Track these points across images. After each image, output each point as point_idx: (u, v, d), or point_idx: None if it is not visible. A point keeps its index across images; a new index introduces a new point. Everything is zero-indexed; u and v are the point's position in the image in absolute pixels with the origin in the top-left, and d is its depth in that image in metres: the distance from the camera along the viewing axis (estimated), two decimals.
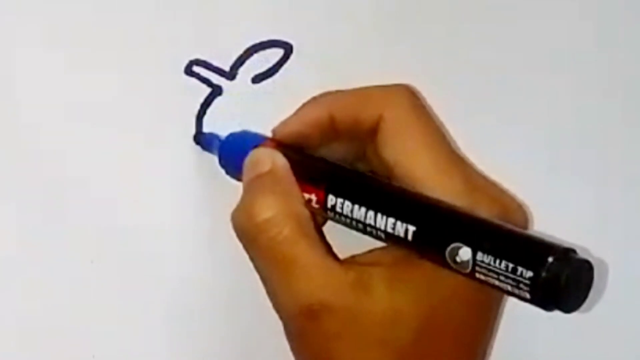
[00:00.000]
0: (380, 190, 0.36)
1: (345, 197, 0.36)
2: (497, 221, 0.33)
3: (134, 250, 0.42)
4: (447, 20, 0.46)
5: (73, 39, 0.41)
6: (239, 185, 0.43)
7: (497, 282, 0.31)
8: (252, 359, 0.45)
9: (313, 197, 0.37)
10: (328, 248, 0.37)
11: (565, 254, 0.31)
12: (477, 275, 0.32)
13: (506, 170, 0.42)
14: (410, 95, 0.38)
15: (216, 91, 0.43)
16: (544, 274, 0.30)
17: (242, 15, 0.43)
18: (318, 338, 0.35)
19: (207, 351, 0.44)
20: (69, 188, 0.41)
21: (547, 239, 0.32)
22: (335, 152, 0.39)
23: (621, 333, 0.50)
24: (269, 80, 0.44)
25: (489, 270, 0.31)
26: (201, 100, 0.43)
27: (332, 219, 0.37)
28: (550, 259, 0.30)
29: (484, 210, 0.35)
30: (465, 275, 0.32)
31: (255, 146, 0.39)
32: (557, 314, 0.32)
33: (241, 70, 0.43)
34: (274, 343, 0.43)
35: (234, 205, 0.43)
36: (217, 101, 0.43)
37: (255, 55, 0.43)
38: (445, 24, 0.46)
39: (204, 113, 0.43)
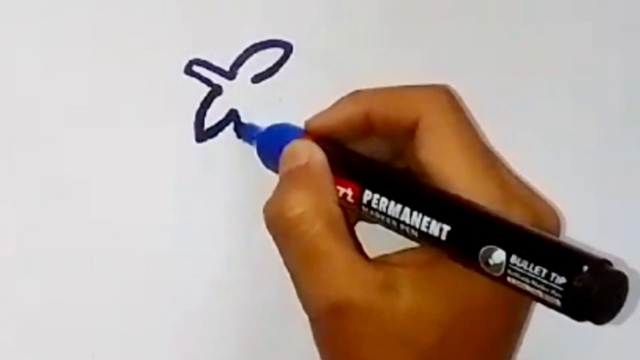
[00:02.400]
0: (417, 189, 0.36)
1: (381, 193, 0.36)
2: (531, 227, 0.33)
3: (134, 250, 0.42)
4: (447, 20, 0.46)
5: (73, 39, 0.41)
6: (239, 185, 0.43)
7: (528, 287, 0.31)
8: (255, 359, 0.45)
9: (349, 191, 0.37)
10: (358, 246, 0.37)
11: (601, 265, 0.30)
12: (509, 279, 0.32)
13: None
14: (449, 98, 0.38)
15: (216, 91, 0.43)
16: (577, 282, 0.30)
17: (242, 15, 0.43)
18: (342, 335, 0.35)
19: (207, 351, 0.44)
20: (69, 188, 0.41)
21: (582, 248, 0.31)
22: (368, 149, 0.39)
23: None
24: (269, 80, 0.44)
25: (522, 274, 0.31)
26: (201, 99, 0.43)
27: (366, 215, 0.37)
28: (585, 268, 0.30)
29: (517, 216, 0.35)
30: (496, 278, 0.32)
31: (294, 138, 0.39)
32: (587, 325, 0.31)
33: (241, 70, 0.43)
34: (275, 343, 0.43)
35: (234, 205, 0.43)
36: (217, 101, 0.43)
37: (255, 55, 0.43)
38: (445, 24, 0.46)
39: (204, 113, 0.43)
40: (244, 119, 0.43)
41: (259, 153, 0.42)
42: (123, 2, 0.42)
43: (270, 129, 0.42)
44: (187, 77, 0.42)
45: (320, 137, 0.39)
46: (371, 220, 0.37)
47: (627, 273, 0.31)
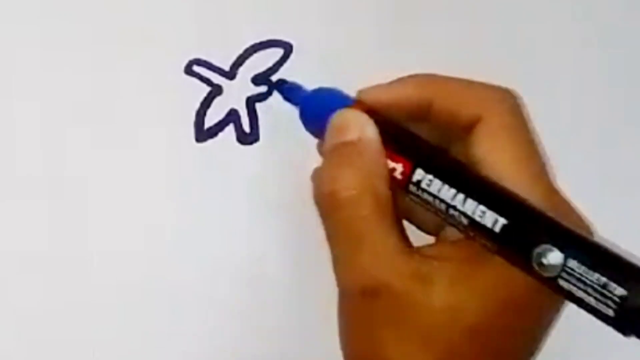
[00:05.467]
0: (474, 176, 0.35)
1: (435, 174, 0.34)
2: (589, 235, 0.33)
3: (134, 250, 0.42)
4: (447, 20, 0.46)
5: (73, 39, 0.41)
6: (239, 185, 0.43)
7: (581, 294, 0.31)
8: (256, 359, 0.44)
9: (399, 167, 0.35)
10: (402, 233, 0.36)
11: None
12: (561, 282, 0.31)
13: None
14: (514, 102, 0.37)
15: (216, 90, 0.43)
16: (635, 297, 0.29)
17: (242, 15, 0.43)
18: (370, 317, 0.34)
19: (208, 351, 0.44)
20: (69, 188, 0.41)
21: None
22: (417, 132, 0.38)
23: None
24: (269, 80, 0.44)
25: (578, 279, 0.31)
26: (201, 99, 0.43)
27: (412, 195, 0.35)
28: None
29: None
30: (545, 280, 0.31)
31: (343, 106, 0.37)
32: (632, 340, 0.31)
33: (241, 69, 0.43)
34: (276, 343, 0.43)
35: (234, 205, 0.43)
36: (217, 101, 0.43)
37: (255, 55, 0.43)
38: (445, 24, 0.46)
39: (204, 112, 0.43)
40: (244, 119, 0.43)
41: (303, 117, 0.39)
42: (123, 2, 0.42)
43: (318, 92, 0.40)
44: (187, 77, 0.42)
45: (371, 110, 0.37)
46: (418, 203, 0.36)
47: None
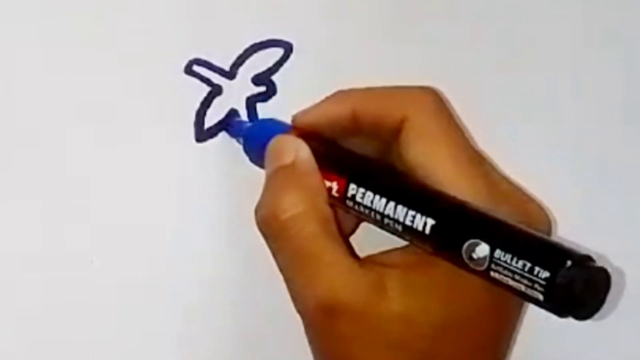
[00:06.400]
0: (402, 183, 0.36)
1: (366, 187, 0.36)
2: (515, 222, 0.33)
3: (134, 250, 0.42)
4: (447, 20, 0.46)
5: (73, 39, 0.41)
6: (239, 185, 0.43)
7: (511, 282, 0.31)
8: (256, 357, 0.44)
9: (334, 185, 0.37)
10: (349, 246, 0.37)
11: (583, 260, 0.30)
12: (492, 273, 0.32)
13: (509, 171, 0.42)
14: (435, 99, 0.38)
15: (216, 90, 0.43)
16: (560, 277, 0.30)
17: (242, 15, 0.43)
18: (334, 336, 0.35)
19: (208, 351, 0.44)
20: (69, 188, 0.41)
21: (566, 244, 0.31)
22: (354, 147, 0.39)
23: (635, 344, 0.49)
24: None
25: (505, 268, 0.31)
26: (201, 99, 0.43)
27: (352, 210, 0.37)
28: (568, 263, 0.30)
29: (506, 214, 0.34)
30: (479, 273, 0.32)
31: (280, 134, 0.39)
32: (569, 321, 0.31)
33: (241, 69, 0.43)
34: (273, 342, 0.43)
35: (233, 205, 0.43)
36: (217, 101, 0.43)
37: (255, 55, 0.43)
38: (445, 24, 0.46)
39: (204, 112, 0.43)
40: (244, 119, 0.43)
41: (245, 149, 0.41)
42: (123, 2, 0.42)
43: (257, 124, 0.42)
44: (187, 77, 0.42)
45: (306, 132, 0.39)
46: (359, 217, 0.37)
47: (610, 270, 0.31)
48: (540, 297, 0.30)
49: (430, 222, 0.34)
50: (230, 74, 0.43)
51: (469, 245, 0.32)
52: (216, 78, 0.43)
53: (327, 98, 0.39)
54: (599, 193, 0.49)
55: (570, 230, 0.44)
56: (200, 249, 0.43)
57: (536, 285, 0.30)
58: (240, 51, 0.43)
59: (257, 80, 0.44)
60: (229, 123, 0.43)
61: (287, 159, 0.37)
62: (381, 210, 0.35)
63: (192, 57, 0.42)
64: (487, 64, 0.47)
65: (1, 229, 0.41)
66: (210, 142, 0.43)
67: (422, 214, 0.34)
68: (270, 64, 0.44)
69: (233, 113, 0.43)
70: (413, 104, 0.37)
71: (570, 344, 0.47)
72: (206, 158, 0.43)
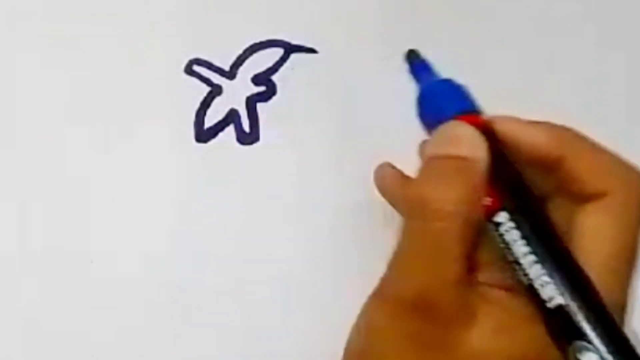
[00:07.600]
0: (554, 243, 0.33)
1: (517, 227, 0.33)
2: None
3: (134, 251, 0.42)
4: (446, 20, 0.46)
5: (73, 39, 0.41)
6: (239, 185, 0.43)
7: None
8: (255, 358, 0.44)
9: (488, 200, 0.34)
10: (469, 260, 0.35)
11: None
12: None
13: None
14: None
15: (216, 90, 0.43)
16: None
17: (242, 15, 0.43)
18: (404, 332, 0.34)
19: (208, 351, 0.44)
20: (68, 187, 0.41)
21: None
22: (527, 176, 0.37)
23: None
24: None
25: None
26: (201, 99, 0.43)
27: (489, 228, 0.34)
28: None
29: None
30: None
31: (460, 114, 0.36)
32: None
33: (241, 69, 0.43)
34: (275, 342, 0.43)
35: (233, 205, 0.43)
36: (217, 101, 0.43)
37: (255, 55, 0.43)
38: (444, 24, 0.46)
39: (204, 112, 0.43)
40: (244, 119, 0.43)
41: (420, 106, 0.37)
42: (123, 2, 0.42)
43: (445, 85, 0.38)
44: (187, 77, 0.42)
45: (486, 128, 0.35)
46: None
47: None
48: None
49: (559, 300, 0.32)
50: (230, 74, 0.43)
51: (582, 346, 0.31)
52: (216, 78, 0.43)
53: (538, 124, 0.36)
54: None
55: None
56: (200, 249, 0.43)
57: None
58: (240, 51, 0.43)
59: (257, 80, 0.44)
60: (415, 62, 0.39)
61: (462, 151, 0.35)
62: (517, 255, 0.33)
63: (192, 57, 0.42)
64: (487, 64, 0.47)
65: (1, 229, 0.41)
66: (210, 142, 0.43)
67: (558, 290, 0.32)
68: (270, 64, 0.44)
69: (233, 113, 0.43)
70: (621, 185, 0.35)
71: None
72: (206, 158, 0.43)
